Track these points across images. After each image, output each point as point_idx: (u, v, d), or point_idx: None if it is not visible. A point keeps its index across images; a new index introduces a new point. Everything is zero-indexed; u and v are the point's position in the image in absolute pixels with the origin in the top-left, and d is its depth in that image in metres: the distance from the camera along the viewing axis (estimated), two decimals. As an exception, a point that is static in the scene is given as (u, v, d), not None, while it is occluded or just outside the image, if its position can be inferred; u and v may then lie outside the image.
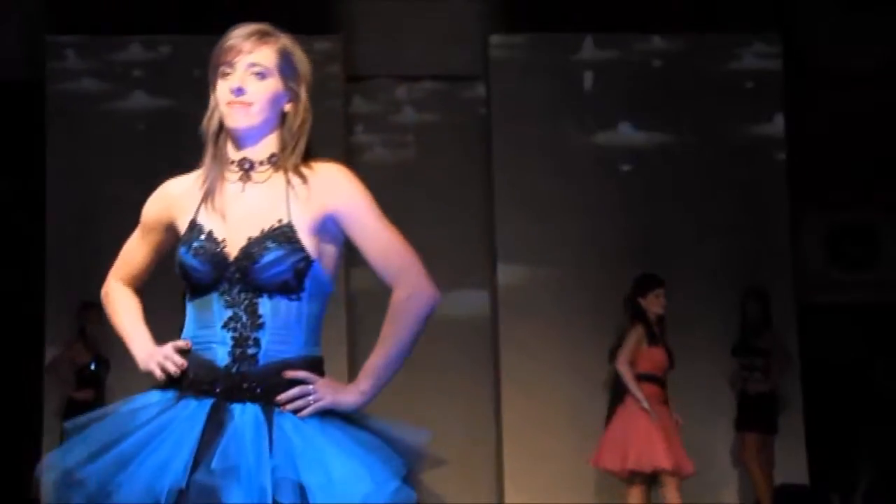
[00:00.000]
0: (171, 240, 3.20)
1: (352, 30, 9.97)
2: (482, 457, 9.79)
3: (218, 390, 2.97)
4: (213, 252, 3.02)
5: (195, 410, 2.96)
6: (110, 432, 2.95)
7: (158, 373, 3.04)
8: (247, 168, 3.09)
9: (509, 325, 9.81)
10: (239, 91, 3.05)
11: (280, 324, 3.01)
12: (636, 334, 8.18)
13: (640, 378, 8.10)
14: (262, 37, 3.09)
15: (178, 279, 3.10)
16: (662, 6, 9.93)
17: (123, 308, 3.27)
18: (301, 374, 2.98)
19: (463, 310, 9.85)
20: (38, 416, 9.37)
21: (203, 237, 3.04)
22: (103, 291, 3.32)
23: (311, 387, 2.97)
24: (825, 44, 10.13)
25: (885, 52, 10.02)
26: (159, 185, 3.24)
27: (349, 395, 3.00)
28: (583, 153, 10.09)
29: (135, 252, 3.29)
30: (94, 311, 8.24)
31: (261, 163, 3.10)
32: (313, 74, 3.17)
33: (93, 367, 9.05)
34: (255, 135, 3.09)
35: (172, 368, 3.01)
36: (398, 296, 3.07)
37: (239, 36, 3.09)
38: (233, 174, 3.10)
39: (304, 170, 3.09)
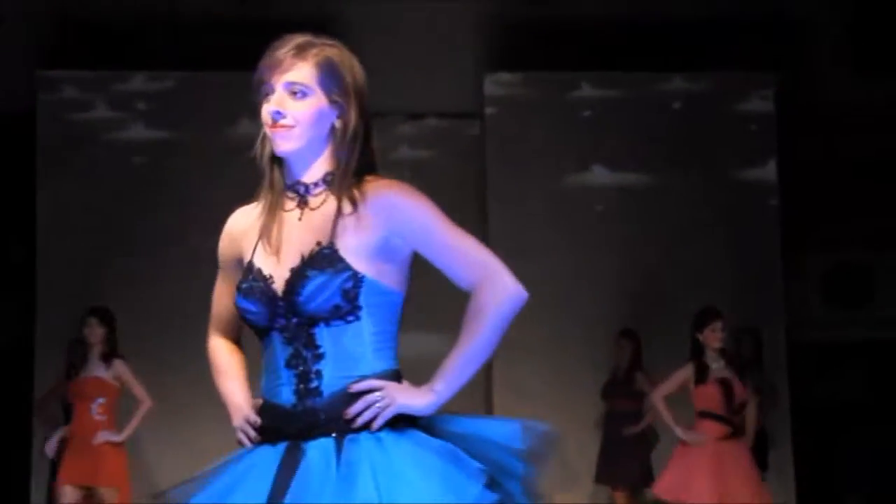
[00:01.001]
0: None
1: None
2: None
3: (288, 432, 2.82)
4: (262, 290, 2.85)
5: (269, 456, 2.81)
6: (189, 493, 2.87)
7: (244, 441, 2.90)
8: (301, 193, 2.91)
9: (501, 364, 9.79)
10: (278, 114, 2.85)
11: (341, 349, 2.83)
12: (683, 373, 8.05)
13: (700, 415, 7.97)
14: (300, 52, 2.88)
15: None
16: (662, 46, 9.94)
17: (220, 367, 3.07)
18: (364, 384, 2.81)
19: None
20: (27, 454, 9.31)
21: (252, 275, 2.88)
22: (208, 347, 3.12)
23: (377, 394, 2.80)
24: (820, 86, 10.14)
25: (880, 96, 10.04)
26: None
27: (421, 397, 2.84)
28: (577, 191, 10.09)
29: (222, 298, 3.07)
30: (81, 347, 8.22)
31: (315, 184, 2.90)
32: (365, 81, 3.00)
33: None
34: (307, 157, 2.90)
35: (246, 441, 2.89)
36: (482, 296, 2.87)
37: (276, 53, 2.89)
38: (290, 201, 2.91)
39: (356, 190, 2.87)
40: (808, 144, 10.14)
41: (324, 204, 2.89)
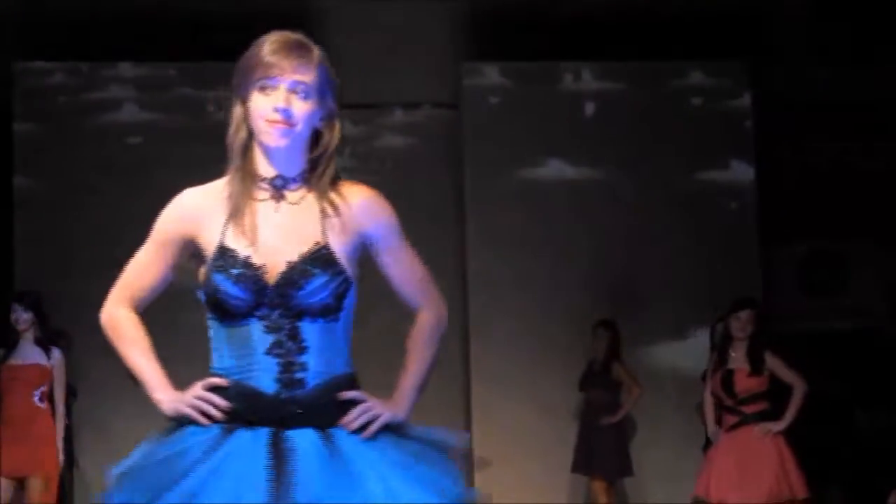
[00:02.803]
0: (184, 256, 3.04)
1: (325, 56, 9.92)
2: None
3: (269, 419, 2.88)
4: (254, 279, 2.90)
5: (251, 442, 2.86)
6: (162, 477, 2.83)
7: (199, 418, 2.90)
8: (279, 186, 2.99)
9: (479, 355, 9.79)
10: (286, 112, 2.92)
11: (323, 346, 2.93)
12: (711, 362, 8.12)
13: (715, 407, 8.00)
14: (306, 53, 2.97)
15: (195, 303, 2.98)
16: (645, 35, 9.95)
17: (132, 340, 3.06)
18: (351, 393, 2.94)
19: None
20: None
21: (241, 263, 2.92)
22: (105, 316, 3.09)
23: (367, 404, 2.94)
24: (796, 77, 10.17)
25: (858, 85, 10.08)
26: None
27: (398, 410, 2.98)
28: (554, 181, 10.09)
29: (146, 269, 3.07)
30: (13, 333, 7.97)
31: (293, 180, 2.99)
32: None
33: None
34: (290, 153, 2.98)
35: (217, 415, 2.90)
36: (426, 319, 3.10)
37: (281, 50, 2.96)
38: (263, 192, 2.99)
39: (337, 192, 3.00)
40: (784, 135, 10.18)
41: (303, 201, 2.98)
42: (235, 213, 2.96)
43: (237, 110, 3.00)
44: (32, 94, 9.97)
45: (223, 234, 2.96)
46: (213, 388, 2.93)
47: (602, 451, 9.11)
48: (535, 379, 9.68)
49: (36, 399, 7.87)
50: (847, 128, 10.28)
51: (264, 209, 2.97)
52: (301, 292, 2.90)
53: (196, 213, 3.01)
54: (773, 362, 7.83)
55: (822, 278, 10.75)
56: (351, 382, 2.97)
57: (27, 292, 8.18)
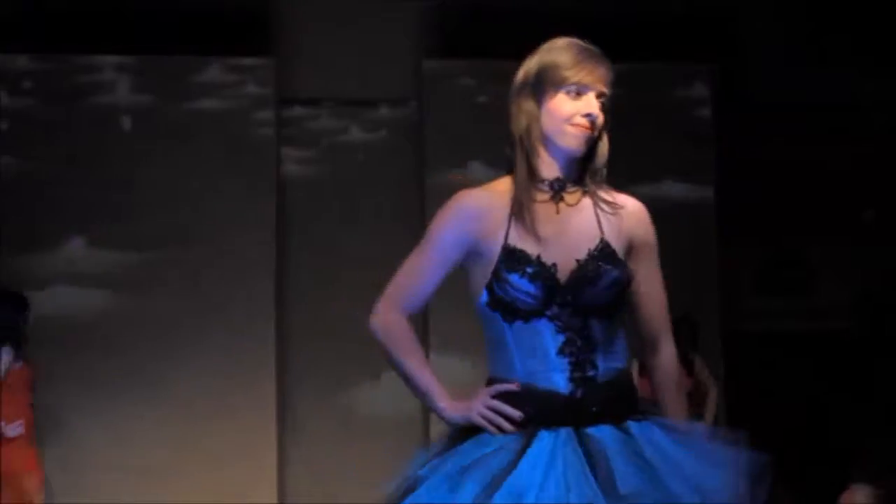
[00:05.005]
0: (460, 262, 3.05)
1: (286, 51, 9.93)
2: None
3: (567, 419, 2.88)
4: (547, 276, 2.92)
5: (559, 443, 2.84)
6: (484, 477, 2.79)
7: (492, 430, 2.89)
8: (556, 188, 3.05)
9: (436, 358, 9.80)
10: (593, 119, 3.02)
11: (606, 342, 2.96)
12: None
13: None
14: (609, 66, 3.09)
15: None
16: (606, 36, 9.94)
17: (408, 349, 3.05)
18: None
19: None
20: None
21: (534, 262, 2.94)
22: (379, 321, 3.06)
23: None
24: (756, 76, 10.23)
25: (816, 87, 10.14)
26: None
27: None
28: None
29: (426, 275, 3.07)
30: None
31: (570, 183, 3.06)
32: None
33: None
34: (575, 157, 3.07)
35: (509, 427, 2.88)
36: (672, 359, 3.23)
37: (592, 59, 3.07)
38: (542, 193, 3.04)
39: (611, 196, 3.10)
40: (744, 135, 10.22)
41: (579, 203, 3.04)
42: (520, 214, 2.99)
43: (529, 106, 3.07)
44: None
45: (507, 235, 2.98)
46: (502, 395, 2.91)
47: None
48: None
49: None
50: (809, 129, 10.33)
51: (545, 210, 3.01)
52: (594, 289, 2.93)
53: (480, 215, 3.04)
54: (697, 364, 7.99)
55: (783, 280, 10.80)
56: (630, 377, 3.01)
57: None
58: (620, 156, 10.78)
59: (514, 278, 2.90)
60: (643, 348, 3.19)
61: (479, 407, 2.92)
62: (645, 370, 7.90)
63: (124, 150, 9.76)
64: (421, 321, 9.54)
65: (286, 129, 10.17)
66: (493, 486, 2.76)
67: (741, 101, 10.18)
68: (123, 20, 9.62)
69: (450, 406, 2.98)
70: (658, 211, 10.49)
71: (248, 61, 9.79)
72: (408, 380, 3.03)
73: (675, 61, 10.18)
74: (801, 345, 10.38)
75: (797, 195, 10.35)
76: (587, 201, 3.06)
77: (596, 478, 2.79)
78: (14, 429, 7.48)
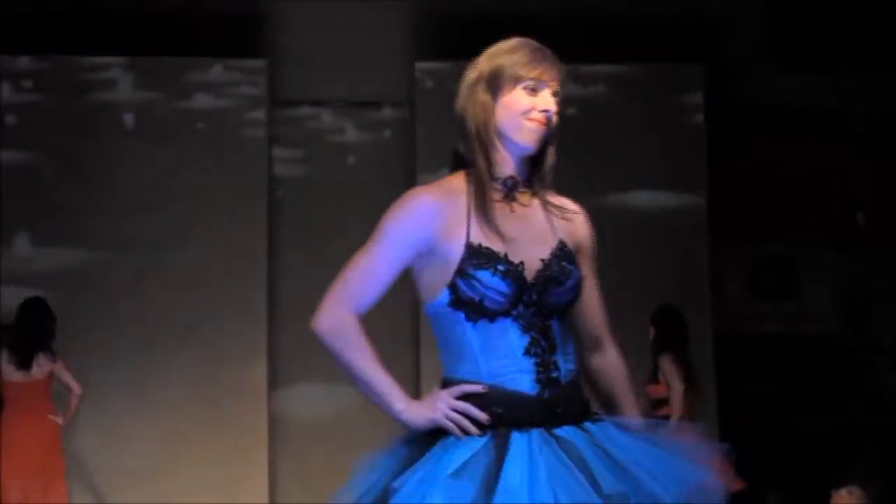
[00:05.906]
0: (414, 261, 2.94)
1: (279, 53, 9.94)
2: None
3: (535, 421, 2.83)
4: (516, 275, 2.87)
5: (535, 444, 2.80)
6: (471, 485, 2.73)
7: (458, 433, 2.81)
8: (509, 186, 3.01)
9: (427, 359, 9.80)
10: (549, 115, 2.99)
11: (565, 342, 2.94)
12: None
13: None
14: (562, 66, 3.05)
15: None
16: (595, 38, 9.97)
17: (359, 348, 2.93)
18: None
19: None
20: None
21: (503, 259, 2.88)
22: (326, 321, 2.95)
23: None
24: (747, 80, 10.24)
25: (807, 91, 10.16)
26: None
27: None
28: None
29: (378, 275, 2.94)
30: None
31: (520, 182, 3.03)
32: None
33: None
34: (526, 156, 3.04)
35: (475, 431, 2.81)
36: (618, 359, 3.18)
37: (549, 58, 3.03)
38: (495, 192, 2.99)
39: (557, 199, 3.09)
40: (736, 138, 10.24)
41: (530, 204, 3.02)
42: (482, 210, 2.93)
43: (485, 100, 3.01)
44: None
45: (468, 233, 2.91)
46: (466, 396, 2.85)
47: None
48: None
49: None
50: (800, 132, 10.34)
51: (501, 208, 2.97)
52: (560, 288, 2.92)
53: (437, 213, 2.93)
54: (667, 368, 8.06)
55: (772, 282, 10.82)
56: (579, 377, 2.99)
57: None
58: (612, 159, 10.79)
59: (485, 276, 2.84)
60: (586, 350, 3.11)
61: (443, 409, 2.83)
62: (656, 376, 7.96)
63: (117, 149, 9.76)
64: (413, 320, 9.56)
65: (278, 130, 10.19)
66: (487, 489, 2.72)
67: (734, 102, 10.19)
68: (117, 22, 9.62)
69: (408, 408, 2.88)
70: (650, 215, 10.48)
71: (241, 63, 9.82)
72: (361, 382, 2.92)
73: (666, 64, 10.18)
74: (791, 347, 10.40)
75: (787, 198, 10.36)
76: (536, 203, 3.04)
77: (584, 477, 2.78)
78: (59, 418, 8.33)
